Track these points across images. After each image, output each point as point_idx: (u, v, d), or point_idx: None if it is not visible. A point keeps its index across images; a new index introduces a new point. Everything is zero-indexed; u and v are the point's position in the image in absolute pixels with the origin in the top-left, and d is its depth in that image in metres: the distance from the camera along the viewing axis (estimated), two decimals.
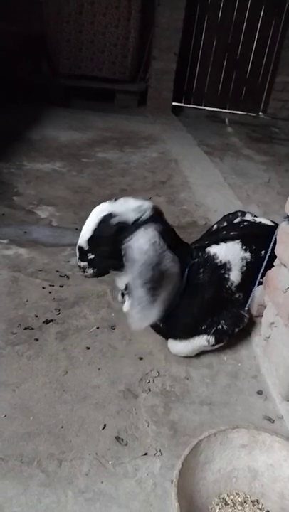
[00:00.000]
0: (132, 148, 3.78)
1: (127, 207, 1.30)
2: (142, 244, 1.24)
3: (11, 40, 4.57)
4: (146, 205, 1.32)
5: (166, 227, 1.37)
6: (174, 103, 5.57)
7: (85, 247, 1.34)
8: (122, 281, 1.41)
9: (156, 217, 1.33)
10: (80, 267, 1.40)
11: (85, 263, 1.37)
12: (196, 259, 1.45)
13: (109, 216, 1.28)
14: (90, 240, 1.32)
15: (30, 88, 4.91)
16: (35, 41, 5.00)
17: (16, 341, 1.49)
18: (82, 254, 1.36)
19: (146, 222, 1.28)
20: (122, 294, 1.45)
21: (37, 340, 1.51)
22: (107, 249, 1.31)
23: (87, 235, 1.32)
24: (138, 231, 1.26)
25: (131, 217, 1.28)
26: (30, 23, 4.98)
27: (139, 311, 1.25)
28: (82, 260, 1.37)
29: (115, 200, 1.33)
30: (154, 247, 1.25)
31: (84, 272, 1.40)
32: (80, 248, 1.35)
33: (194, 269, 1.44)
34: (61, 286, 1.80)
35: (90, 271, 1.38)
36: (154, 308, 1.26)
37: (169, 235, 1.36)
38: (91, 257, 1.35)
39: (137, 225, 1.28)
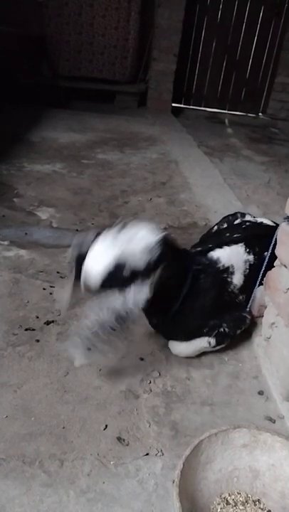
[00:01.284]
0: (132, 150, 3.78)
1: (135, 251, 1.21)
2: (128, 302, 1.20)
3: (10, 42, 4.58)
4: (154, 241, 1.23)
5: (172, 257, 1.30)
6: (173, 104, 5.58)
7: (93, 287, 1.25)
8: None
9: (166, 253, 1.25)
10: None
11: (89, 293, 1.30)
12: (199, 266, 1.45)
13: (120, 266, 1.19)
14: (102, 285, 1.24)
15: (30, 90, 4.92)
16: (35, 43, 5.01)
17: (17, 342, 1.49)
18: (88, 290, 1.28)
19: (156, 264, 1.23)
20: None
21: (38, 341, 1.51)
22: (116, 289, 1.24)
23: (95, 279, 1.22)
24: (138, 284, 1.21)
25: (141, 263, 1.21)
26: (29, 24, 4.99)
27: (87, 349, 1.22)
28: (86, 291, 1.30)
29: (121, 227, 1.24)
30: (136, 308, 1.21)
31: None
32: (87, 286, 1.27)
33: (196, 276, 1.43)
34: (62, 287, 1.80)
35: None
36: (98, 354, 1.23)
37: (172, 265, 1.30)
38: (96, 290, 1.28)
39: (147, 269, 1.22)
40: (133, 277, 1.21)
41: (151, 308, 1.41)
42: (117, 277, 1.20)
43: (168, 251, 1.27)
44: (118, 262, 1.20)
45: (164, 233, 1.28)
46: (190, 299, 1.42)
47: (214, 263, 1.48)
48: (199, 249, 1.59)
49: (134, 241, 1.22)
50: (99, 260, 1.22)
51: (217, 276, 1.47)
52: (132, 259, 1.20)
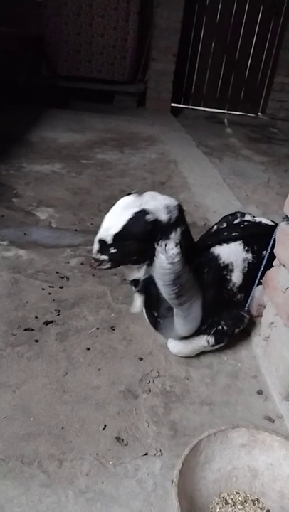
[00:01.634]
0: (131, 150, 3.78)
1: (158, 204, 1.27)
2: (163, 262, 1.25)
3: (9, 42, 4.57)
4: (174, 203, 1.30)
5: (187, 227, 1.35)
6: (172, 104, 5.58)
7: (109, 241, 1.27)
8: (133, 274, 1.39)
9: (183, 217, 1.32)
10: (96, 259, 1.32)
11: (105, 257, 1.31)
12: (203, 259, 1.45)
13: (142, 213, 1.23)
14: (118, 235, 1.26)
15: (29, 90, 4.93)
16: (34, 43, 5.01)
17: (16, 342, 1.49)
18: (104, 247, 1.30)
19: (175, 222, 1.27)
20: (135, 285, 1.44)
21: (37, 341, 1.51)
22: (136, 246, 1.28)
23: (114, 229, 1.25)
24: (161, 243, 1.26)
25: (163, 216, 1.25)
26: (28, 24, 4.99)
27: (186, 322, 1.33)
28: (102, 254, 1.31)
29: (139, 194, 1.29)
30: (173, 265, 1.25)
31: (100, 264, 1.33)
32: (103, 241, 1.29)
33: (200, 269, 1.43)
34: (61, 288, 1.80)
35: (108, 265, 1.33)
36: (194, 316, 1.34)
37: (188, 236, 1.35)
38: (113, 251, 1.29)
39: (168, 225, 1.26)
40: (157, 230, 1.25)
41: (154, 298, 1.42)
42: (141, 226, 1.23)
43: (183, 216, 1.34)
44: (143, 211, 1.24)
45: (179, 202, 1.35)
46: None
47: (216, 258, 1.48)
48: (200, 244, 1.59)
49: (157, 199, 1.28)
50: (120, 212, 1.25)
51: (218, 273, 1.47)
52: (157, 211, 1.25)
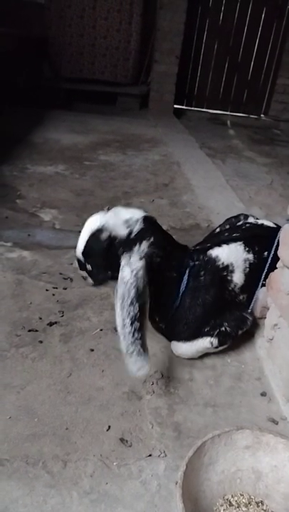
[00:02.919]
0: (134, 151, 3.79)
1: (117, 220, 1.32)
2: (126, 275, 1.24)
3: (12, 44, 4.59)
4: (137, 216, 1.34)
5: (160, 237, 1.38)
6: (175, 106, 5.59)
7: (81, 258, 1.39)
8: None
9: (149, 229, 1.34)
10: (81, 276, 1.45)
11: (85, 273, 1.42)
12: (197, 262, 1.46)
13: (99, 231, 1.31)
14: (84, 253, 1.37)
15: (32, 91, 4.94)
16: (37, 45, 5.03)
17: (21, 343, 1.50)
18: (81, 265, 1.41)
19: (138, 236, 1.31)
20: None
21: (41, 342, 1.51)
22: (101, 262, 1.34)
23: (81, 247, 1.36)
24: (125, 256, 1.28)
25: (121, 231, 1.31)
26: (32, 27, 5.01)
27: (137, 356, 1.21)
28: (81, 270, 1.43)
29: (108, 209, 1.36)
30: (137, 280, 1.24)
31: (85, 280, 1.46)
32: (78, 259, 1.40)
33: (195, 272, 1.45)
34: (65, 289, 1.81)
35: (90, 281, 1.44)
36: (145, 346, 1.23)
37: (162, 245, 1.37)
38: (88, 267, 1.40)
39: (129, 239, 1.31)
40: (113, 246, 1.29)
41: (152, 304, 1.42)
42: (97, 244, 1.30)
43: (153, 227, 1.35)
44: (98, 229, 1.31)
45: (149, 214, 1.38)
46: (190, 296, 1.44)
47: (214, 260, 1.48)
48: (198, 247, 1.61)
49: (119, 214, 1.33)
50: (84, 231, 1.34)
51: (217, 274, 1.48)
52: (114, 229, 1.30)
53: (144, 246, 1.31)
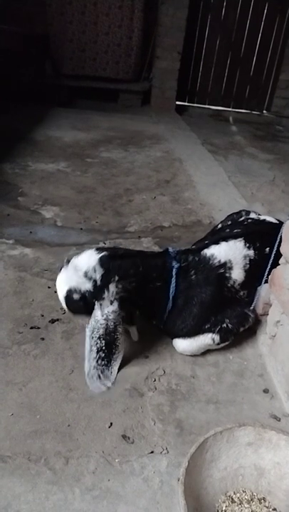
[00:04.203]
0: (136, 148, 3.78)
1: (78, 277, 1.33)
2: (98, 316, 1.32)
3: (14, 41, 4.59)
4: (92, 263, 1.33)
5: (124, 268, 1.36)
6: (177, 102, 5.57)
7: (70, 312, 1.42)
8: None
9: (109, 269, 1.33)
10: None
11: (81, 316, 1.46)
12: (184, 263, 1.45)
13: (70, 293, 1.34)
14: (69, 310, 1.40)
15: (34, 89, 4.93)
16: (39, 42, 5.01)
17: (23, 340, 1.50)
18: (70, 312, 1.43)
19: (103, 282, 1.32)
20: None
21: (43, 339, 1.52)
22: (86, 313, 1.37)
23: (63, 303, 1.39)
24: (97, 303, 1.32)
25: (87, 285, 1.33)
26: (33, 24, 5.00)
27: (98, 377, 1.34)
28: (74, 315, 1.47)
29: (67, 262, 1.37)
30: (108, 321, 1.31)
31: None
32: (66, 310, 1.43)
33: (183, 273, 1.44)
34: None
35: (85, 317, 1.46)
36: (111, 370, 1.36)
37: (130, 273, 1.36)
38: (79, 314, 1.44)
39: (97, 289, 1.32)
40: (87, 300, 1.33)
41: (146, 311, 1.47)
42: (74, 304, 1.35)
43: (112, 263, 1.35)
44: (68, 291, 1.34)
45: (103, 252, 1.37)
46: (183, 296, 1.44)
47: (207, 260, 1.48)
48: (194, 246, 1.60)
49: (77, 269, 1.34)
50: (58, 293, 1.39)
51: (212, 272, 1.47)
52: (79, 286, 1.33)
53: (112, 288, 1.32)
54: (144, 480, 1.09)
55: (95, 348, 1.32)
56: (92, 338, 1.32)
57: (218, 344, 1.48)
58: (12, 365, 1.39)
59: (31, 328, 1.56)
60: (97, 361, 1.33)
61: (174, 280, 1.42)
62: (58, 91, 5.11)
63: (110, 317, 1.31)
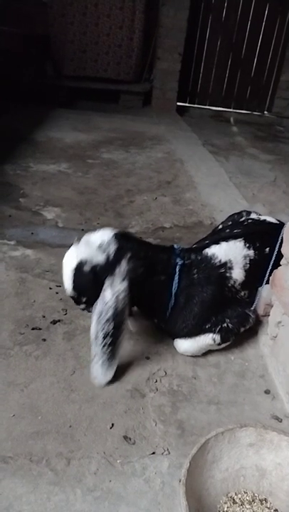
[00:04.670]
0: (137, 149, 3.78)
1: (92, 249, 1.32)
2: (107, 296, 1.29)
3: (15, 42, 4.59)
4: (107, 237, 1.34)
5: (136, 249, 1.37)
6: (178, 103, 5.57)
7: (73, 295, 1.39)
8: None
9: (124, 246, 1.34)
10: (81, 309, 1.45)
11: (83, 305, 1.42)
12: (187, 261, 1.46)
13: (80, 265, 1.32)
14: (74, 289, 1.36)
15: (35, 90, 4.94)
16: (40, 43, 5.02)
17: (24, 341, 1.50)
18: (75, 300, 1.41)
19: (116, 257, 1.31)
20: None
21: (44, 340, 1.52)
22: (92, 292, 1.34)
23: (69, 285, 1.36)
24: (108, 279, 1.30)
25: (99, 258, 1.32)
26: (34, 25, 5.01)
27: (102, 366, 1.31)
28: (78, 305, 1.43)
29: (78, 240, 1.36)
30: (118, 302, 1.28)
31: (87, 310, 1.43)
32: (71, 297, 1.41)
33: (186, 271, 1.45)
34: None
35: (91, 309, 1.40)
36: (115, 360, 1.33)
37: (141, 255, 1.37)
38: (84, 300, 1.40)
39: (109, 263, 1.31)
40: (98, 274, 1.30)
41: (147, 308, 1.46)
42: (83, 277, 1.31)
43: (126, 242, 1.36)
44: (78, 264, 1.31)
45: (118, 230, 1.38)
46: (184, 294, 1.44)
47: (209, 259, 1.48)
48: (194, 245, 1.61)
49: (89, 243, 1.34)
50: (65, 270, 1.35)
51: (213, 272, 1.47)
52: (91, 258, 1.31)
53: (124, 265, 1.32)
54: (146, 481, 1.09)
55: (101, 334, 1.28)
56: (100, 322, 1.28)
57: (219, 344, 1.48)
58: (14, 366, 1.40)
59: (33, 329, 1.56)
60: (102, 347, 1.29)
61: (176, 277, 1.42)
62: (60, 92, 5.11)
63: (120, 297, 1.28)
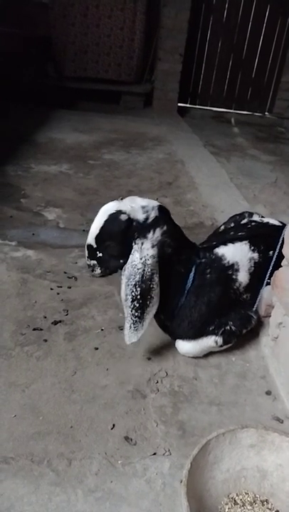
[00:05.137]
0: (138, 150, 3.79)
1: (135, 205, 1.33)
2: (135, 260, 1.29)
3: (16, 44, 4.60)
4: (153, 204, 1.36)
5: (172, 227, 1.39)
6: (179, 104, 5.57)
7: (94, 244, 1.36)
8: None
9: (163, 218, 1.36)
10: (89, 265, 1.42)
11: (94, 261, 1.40)
12: (203, 260, 1.46)
13: (118, 213, 1.31)
14: (99, 237, 1.35)
15: (36, 91, 4.94)
16: (41, 44, 5.03)
17: (25, 342, 1.50)
18: (91, 252, 1.39)
19: (153, 223, 1.32)
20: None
21: (46, 340, 1.52)
22: (116, 246, 1.34)
23: (95, 232, 1.34)
24: (138, 242, 1.30)
25: (139, 215, 1.32)
26: (35, 26, 5.01)
27: (129, 328, 1.32)
28: (91, 259, 1.40)
29: (122, 199, 1.36)
30: (145, 266, 1.29)
31: (93, 270, 1.42)
32: (89, 246, 1.38)
33: (201, 269, 1.45)
34: (69, 288, 1.81)
35: (99, 270, 1.41)
36: (142, 325, 1.33)
37: (174, 236, 1.39)
38: (99, 255, 1.38)
39: (145, 225, 1.31)
40: (131, 228, 1.30)
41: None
42: (116, 225, 1.30)
43: (166, 216, 1.38)
44: (117, 211, 1.31)
45: (162, 204, 1.40)
46: (195, 293, 1.44)
47: (219, 259, 1.48)
48: (204, 245, 1.60)
49: (135, 201, 1.35)
50: (99, 215, 1.34)
51: (223, 273, 1.47)
52: (132, 212, 1.31)
53: (158, 234, 1.33)
54: (147, 482, 1.09)
55: (130, 297, 1.29)
56: (128, 285, 1.29)
57: (220, 346, 1.48)
58: (15, 366, 1.40)
59: (34, 329, 1.56)
60: (131, 310, 1.30)
61: (192, 274, 1.43)
62: (61, 93, 5.11)
63: (148, 262, 1.29)
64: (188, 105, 5.87)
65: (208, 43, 5.63)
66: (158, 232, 1.33)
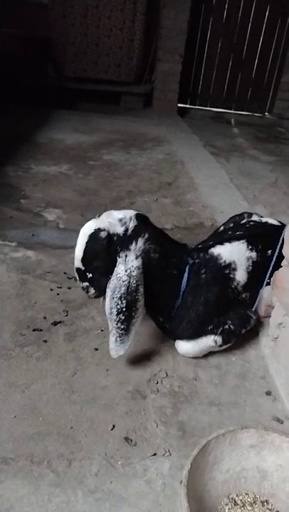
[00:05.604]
0: (138, 150, 3.79)
1: (112, 220, 1.34)
2: (120, 272, 1.29)
3: (16, 44, 4.61)
4: (130, 214, 1.36)
5: (154, 233, 1.39)
6: (179, 104, 5.57)
7: (82, 267, 1.38)
8: None
9: (143, 226, 1.36)
10: (82, 288, 1.44)
11: (86, 283, 1.41)
12: (197, 260, 1.46)
13: (97, 231, 1.32)
14: (84, 259, 1.36)
15: (36, 91, 4.95)
16: (41, 45, 5.03)
17: (25, 343, 1.50)
18: (81, 274, 1.40)
19: (134, 233, 1.33)
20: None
21: (45, 341, 1.52)
22: (102, 263, 1.34)
23: (80, 255, 1.36)
24: (122, 254, 1.31)
25: (118, 229, 1.33)
26: (35, 27, 5.02)
27: (115, 341, 1.32)
28: (82, 281, 1.42)
29: (99, 216, 1.37)
30: (130, 278, 1.29)
31: (87, 292, 1.44)
32: (78, 269, 1.40)
33: (195, 270, 1.45)
34: (69, 288, 1.81)
35: (92, 290, 1.43)
36: (128, 337, 1.33)
37: (158, 241, 1.39)
38: (90, 276, 1.39)
39: (126, 237, 1.32)
40: (113, 243, 1.31)
41: (154, 304, 1.44)
42: (97, 243, 1.31)
43: (145, 224, 1.38)
44: (96, 230, 1.32)
45: (142, 212, 1.41)
46: (191, 294, 1.44)
47: (215, 259, 1.48)
48: (199, 246, 1.60)
49: (111, 215, 1.36)
50: (80, 236, 1.35)
51: (219, 272, 1.47)
52: (110, 227, 1.32)
53: (140, 243, 1.33)
54: (147, 482, 1.09)
55: (115, 310, 1.29)
56: (113, 298, 1.29)
57: (220, 346, 1.48)
58: (15, 367, 1.40)
59: (34, 330, 1.56)
60: (116, 324, 1.30)
61: (186, 274, 1.43)
62: (61, 93, 5.12)
63: (133, 273, 1.29)
64: (188, 106, 5.87)
65: (208, 44, 5.64)
66: (140, 241, 1.33)
